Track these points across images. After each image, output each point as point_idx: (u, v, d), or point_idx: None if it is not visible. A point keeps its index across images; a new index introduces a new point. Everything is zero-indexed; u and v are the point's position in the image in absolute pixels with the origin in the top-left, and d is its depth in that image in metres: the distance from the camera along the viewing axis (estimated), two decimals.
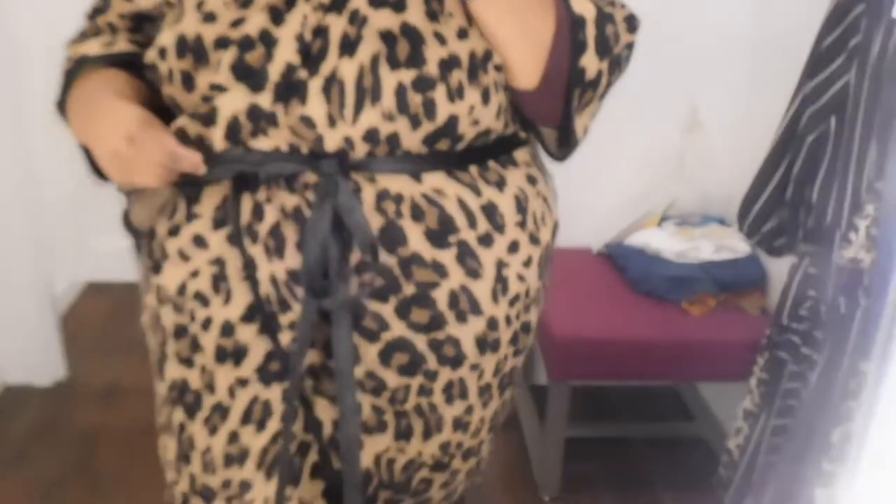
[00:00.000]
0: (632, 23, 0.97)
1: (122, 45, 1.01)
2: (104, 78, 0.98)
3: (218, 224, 0.94)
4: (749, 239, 1.56)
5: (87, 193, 2.50)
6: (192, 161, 0.88)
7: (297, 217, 0.91)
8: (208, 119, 0.89)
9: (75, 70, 1.00)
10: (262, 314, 0.94)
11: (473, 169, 0.95)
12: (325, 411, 1.00)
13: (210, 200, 0.95)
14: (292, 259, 0.93)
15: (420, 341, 0.96)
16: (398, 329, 0.95)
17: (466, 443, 1.09)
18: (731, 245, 2.05)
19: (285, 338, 0.95)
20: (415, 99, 0.87)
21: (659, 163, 2.21)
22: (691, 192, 2.20)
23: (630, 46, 0.97)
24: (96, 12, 1.04)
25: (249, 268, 0.93)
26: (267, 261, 0.93)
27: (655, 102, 2.10)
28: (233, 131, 0.89)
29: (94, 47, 1.01)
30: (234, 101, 0.88)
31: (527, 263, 1.01)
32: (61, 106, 1.01)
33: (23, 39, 2.27)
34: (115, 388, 2.35)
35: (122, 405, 2.27)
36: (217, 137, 0.90)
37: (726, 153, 2.16)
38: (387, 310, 0.94)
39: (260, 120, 0.88)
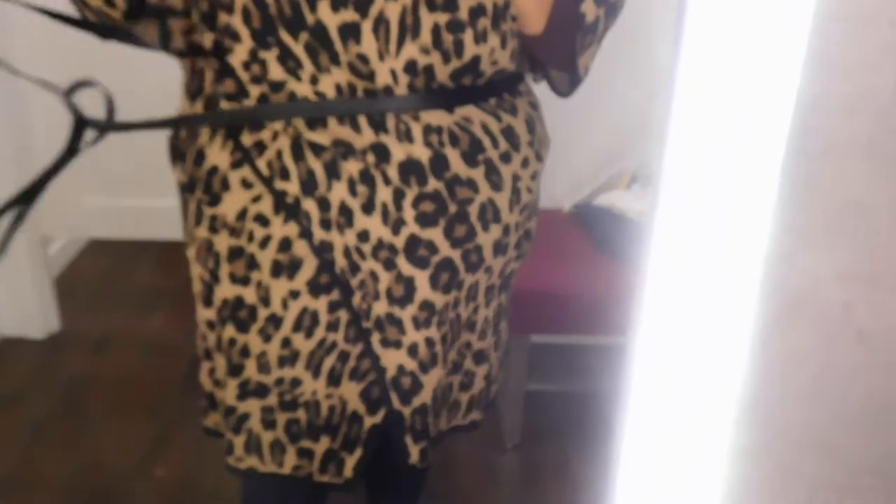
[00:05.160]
0: None
1: None
2: None
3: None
4: None
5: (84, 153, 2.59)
6: None
7: (348, 152, 1.03)
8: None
9: None
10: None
11: (492, 100, 1.09)
12: (389, 358, 1.12)
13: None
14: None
15: (456, 255, 1.09)
16: (444, 249, 1.08)
17: (475, 344, 1.23)
18: None
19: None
20: (447, 38, 1.00)
21: (630, 125, 2.26)
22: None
23: None
24: None
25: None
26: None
27: (627, 66, 2.14)
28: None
29: None
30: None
31: (533, 177, 1.16)
32: None
33: None
34: (107, 340, 2.45)
35: (111, 356, 2.38)
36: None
37: None
38: (437, 233, 1.06)
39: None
